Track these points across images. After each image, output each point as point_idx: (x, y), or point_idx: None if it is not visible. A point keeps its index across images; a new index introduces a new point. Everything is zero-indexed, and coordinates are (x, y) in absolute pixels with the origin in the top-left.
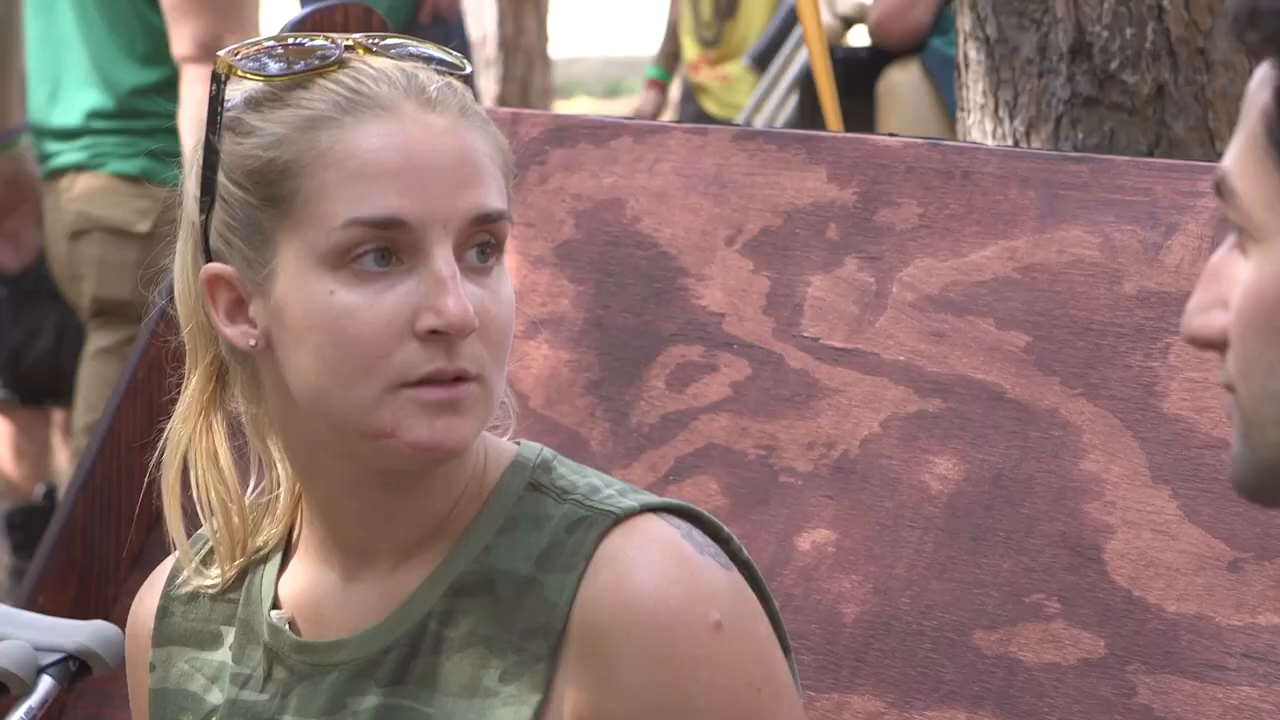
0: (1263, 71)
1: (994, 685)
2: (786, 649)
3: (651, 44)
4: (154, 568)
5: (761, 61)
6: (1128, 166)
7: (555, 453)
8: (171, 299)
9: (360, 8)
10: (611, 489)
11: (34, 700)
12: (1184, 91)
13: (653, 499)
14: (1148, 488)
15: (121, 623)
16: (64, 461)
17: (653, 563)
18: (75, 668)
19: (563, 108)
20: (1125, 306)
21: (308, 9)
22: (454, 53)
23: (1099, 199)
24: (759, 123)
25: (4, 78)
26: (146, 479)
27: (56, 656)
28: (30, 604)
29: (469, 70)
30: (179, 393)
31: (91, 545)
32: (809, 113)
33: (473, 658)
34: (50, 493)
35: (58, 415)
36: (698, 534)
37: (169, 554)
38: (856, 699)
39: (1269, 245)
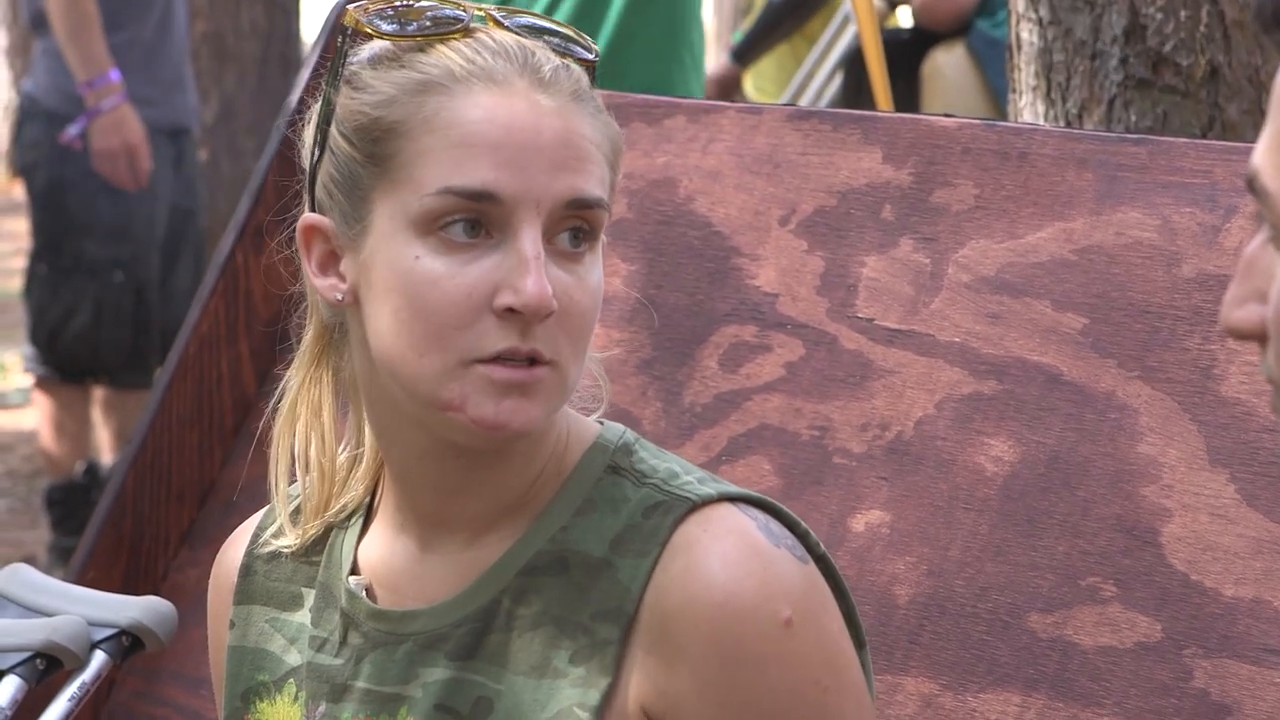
0: None
1: (1049, 669)
2: (861, 644)
3: None
4: (204, 544)
5: (742, 58)
6: (1186, 148)
7: (638, 435)
8: (224, 272)
9: None
10: (691, 475)
11: (87, 675)
12: (1237, 74)
13: (732, 488)
14: (1205, 471)
15: (172, 598)
16: (104, 438)
17: (727, 553)
18: (128, 643)
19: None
20: (1183, 289)
21: None
22: (584, 35)
23: (1157, 181)
24: (803, 104)
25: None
26: (197, 454)
27: (110, 632)
28: (81, 579)
29: (595, 55)
30: (227, 371)
31: (141, 521)
32: (853, 93)
33: (543, 637)
34: (90, 469)
35: (97, 392)
36: (775, 525)
37: (220, 529)
38: (910, 681)
39: None
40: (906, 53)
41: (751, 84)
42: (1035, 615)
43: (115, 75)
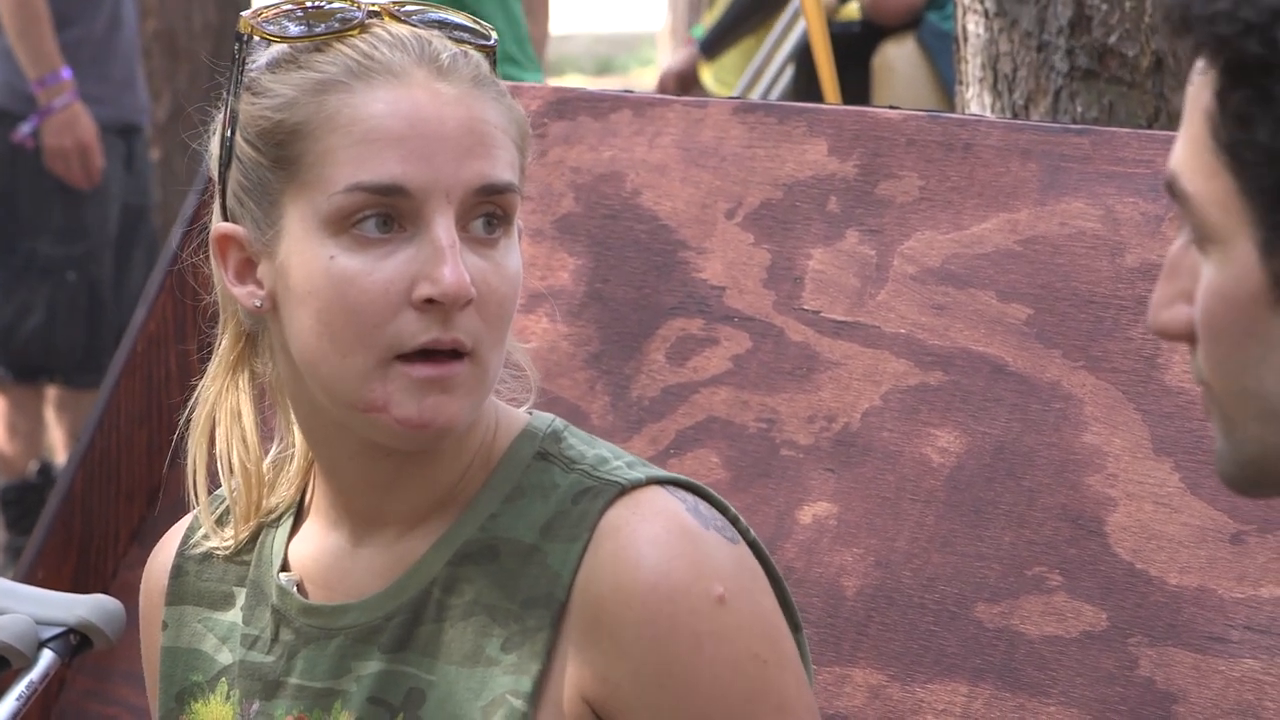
0: (1199, 70)
1: (995, 658)
2: (797, 627)
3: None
4: (153, 542)
5: (710, 50)
6: (1129, 139)
7: (567, 423)
8: (171, 270)
9: None
10: (620, 460)
11: (35, 674)
12: (1183, 64)
13: (660, 472)
14: (1150, 460)
15: (121, 596)
16: (58, 438)
17: (656, 535)
18: (76, 641)
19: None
20: (1127, 279)
21: None
22: (481, 22)
23: (1100, 171)
24: (754, 97)
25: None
26: (146, 452)
27: (57, 630)
28: (30, 578)
29: (493, 40)
30: (176, 368)
31: (90, 519)
32: (804, 87)
33: (475, 626)
34: (44, 469)
35: (50, 392)
36: (704, 508)
37: (168, 527)
38: (858, 672)
39: (1226, 246)
40: (857, 46)
41: (712, 76)
42: (982, 605)
43: (66, 73)
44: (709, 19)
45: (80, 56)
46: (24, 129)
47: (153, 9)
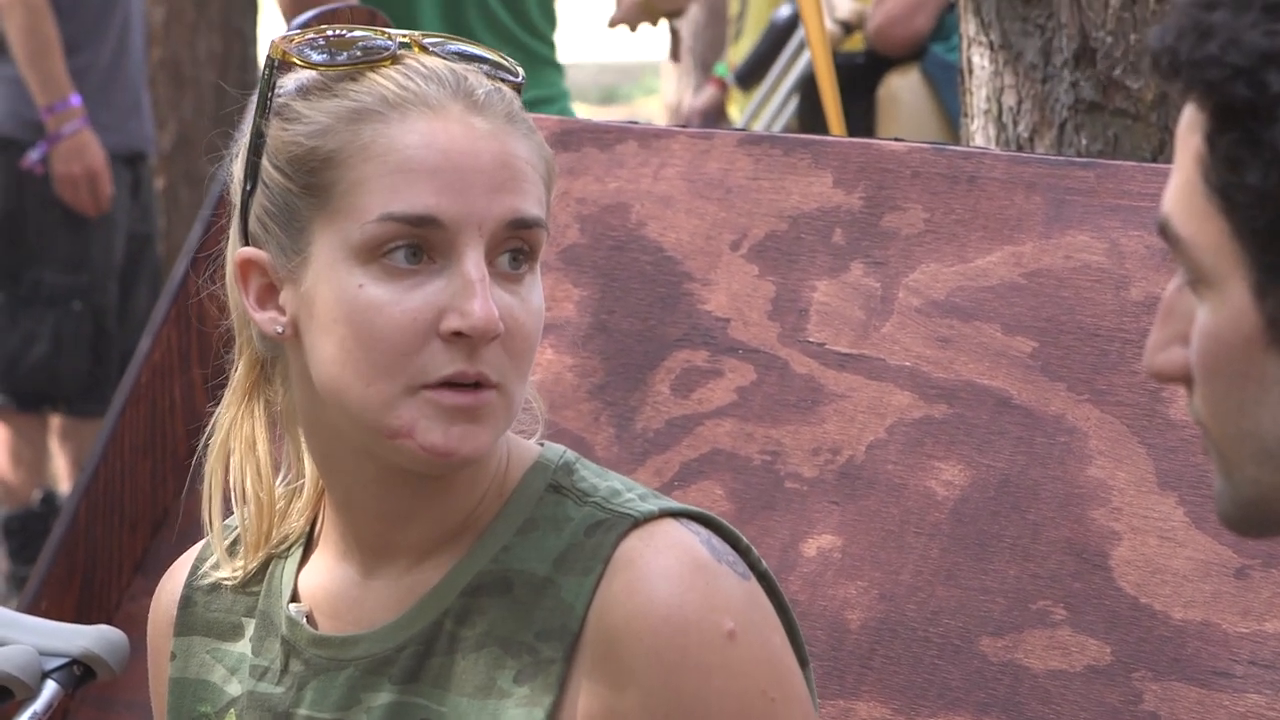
0: (1189, 113)
1: (1000, 692)
2: (804, 662)
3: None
4: (157, 572)
5: (745, 80)
6: (1134, 172)
7: (578, 455)
8: (176, 300)
9: (365, 11)
10: (632, 493)
11: (39, 705)
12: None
13: (673, 504)
14: (1154, 494)
15: (125, 627)
16: (62, 467)
17: (669, 568)
18: (80, 672)
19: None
20: (1132, 312)
21: (314, 10)
22: (508, 59)
23: (1105, 204)
24: (758, 128)
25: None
26: (150, 482)
27: (61, 661)
28: (33, 608)
29: (521, 77)
30: (180, 399)
31: (94, 550)
32: (808, 118)
33: (487, 658)
34: (48, 498)
35: (54, 420)
36: (716, 541)
37: (173, 558)
38: (862, 705)
39: (1220, 288)
40: (862, 77)
41: (739, 109)
42: (986, 639)
43: (76, 100)
44: (734, 54)
45: (87, 83)
46: (33, 155)
47: (158, 37)
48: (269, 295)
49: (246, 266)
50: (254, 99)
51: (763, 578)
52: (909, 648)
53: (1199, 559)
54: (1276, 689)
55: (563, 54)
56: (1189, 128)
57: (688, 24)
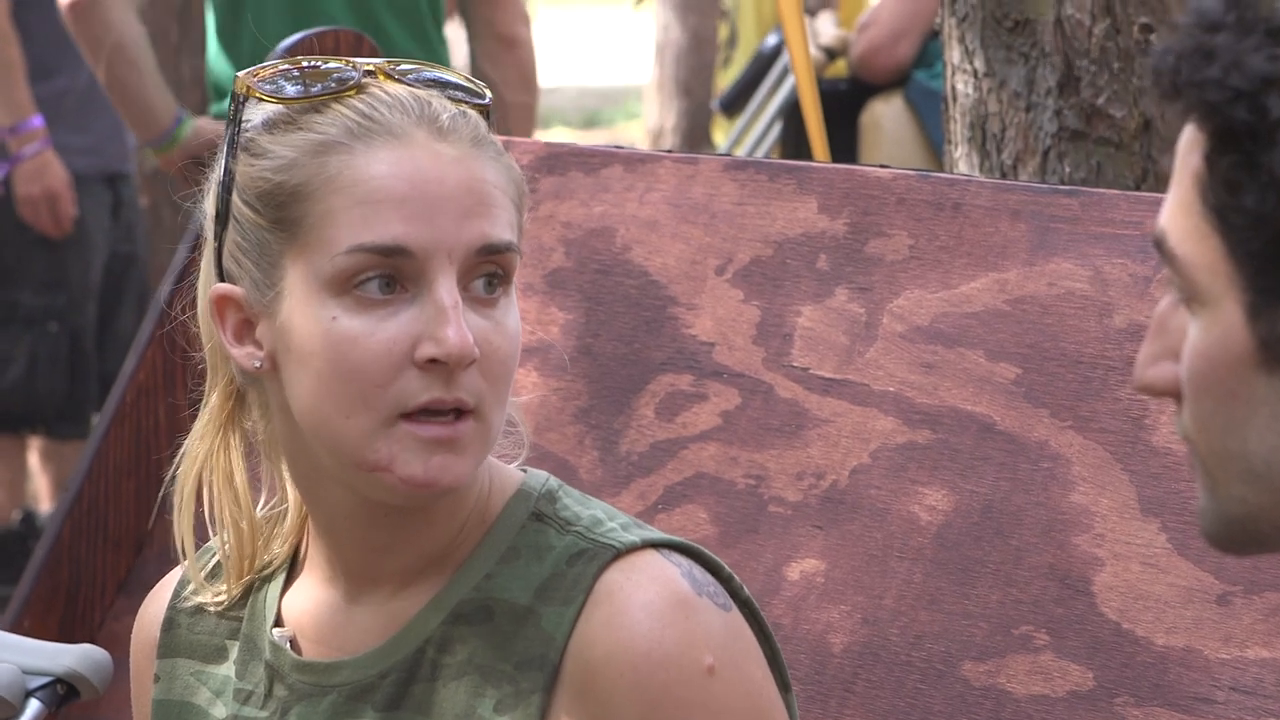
0: (1189, 133)
1: (982, 717)
2: (786, 687)
3: (628, 75)
4: (140, 592)
5: (730, 107)
6: (1118, 200)
7: (561, 483)
8: (161, 321)
9: (351, 34)
10: (615, 522)
11: None
12: (1171, 126)
13: (656, 535)
14: (1137, 520)
15: (108, 646)
16: (42, 486)
17: (650, 602)
18: (63, 691)
19: (540, 138)
20: (1115, 339)
21: (301, 34)
22: (475, 81)
23: (1089, 232)
24: (741, 154)
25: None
26: (134, 502)
27: (45, 680)
28: (16, 627)
29: (488, 99)
30: (164, 419)
31: (78, 569)
32: (791, 144)
33: (468, 686)
34: (27, 518)
35: (35, 441)
36: (698, 571)
37: (156, 578)
38: None
39: (1213, 307)
40: (845, 103)
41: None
42: (969, 664)
43: (38, 121)
44: (723, 80)
45: (64, 106)
46: None
47: None
48: (245, 330)
49: (222, 302)
50: (224, 134)
51: (744, 605)
52: (892, 672)
53: (1181, 585)
54: (1258, 715)
55: (545, 78)
56: (1189, 147)
57: (670, 49)
